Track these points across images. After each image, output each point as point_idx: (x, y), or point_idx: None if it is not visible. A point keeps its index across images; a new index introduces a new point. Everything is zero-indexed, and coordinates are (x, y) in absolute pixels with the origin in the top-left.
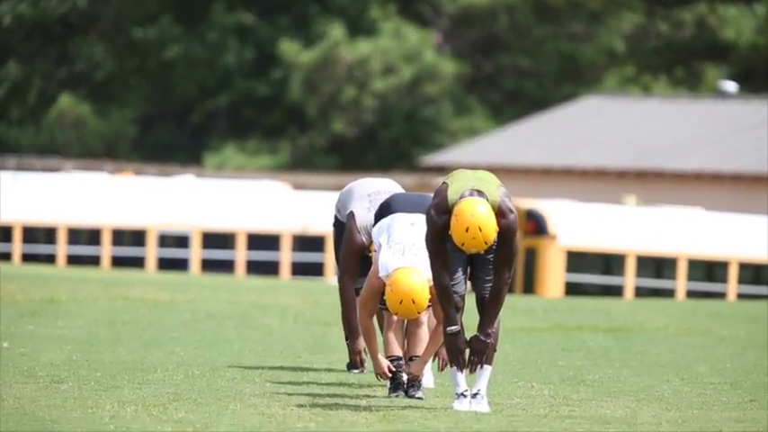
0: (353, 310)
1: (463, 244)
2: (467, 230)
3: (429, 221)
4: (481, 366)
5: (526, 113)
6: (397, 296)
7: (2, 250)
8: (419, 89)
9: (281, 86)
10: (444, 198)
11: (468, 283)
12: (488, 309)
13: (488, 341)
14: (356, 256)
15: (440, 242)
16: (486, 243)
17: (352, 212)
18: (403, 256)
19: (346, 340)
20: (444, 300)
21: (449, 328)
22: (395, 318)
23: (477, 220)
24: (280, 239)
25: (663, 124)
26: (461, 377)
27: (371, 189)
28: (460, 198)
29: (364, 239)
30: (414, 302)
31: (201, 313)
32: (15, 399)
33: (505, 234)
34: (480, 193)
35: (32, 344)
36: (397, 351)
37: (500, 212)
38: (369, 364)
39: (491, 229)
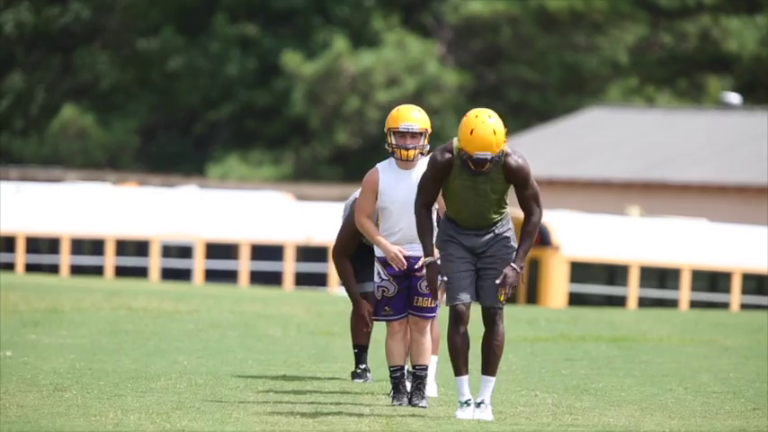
0: (352, 282)
1: (470, 147)
2: (471, 132)
3: (431, 160)
4: (509, 294)
5: (530, 125)
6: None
7: (5, 260)
8: (422, 100)
9: (284, 97)
10: (450, 142)
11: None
12: (523, 242)
13: (521, 272)
14: (354, 238)
15: (434, 181)
16: (493, 142)
17: (356, 199)
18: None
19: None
20: (422, 232)
21: (425, 259)
22: (396, 327)
23: (482, 118)
24: (283, 250)
25: (667, 136)
26: (466, 386)
27: None
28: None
29: None
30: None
31: (205, 323)
32: (19, 407)
33: (518, 176)
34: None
35: (36, 353)
36: (399, 361)
37: (507, 153)
38: (372, 373)
39: (499, 130)
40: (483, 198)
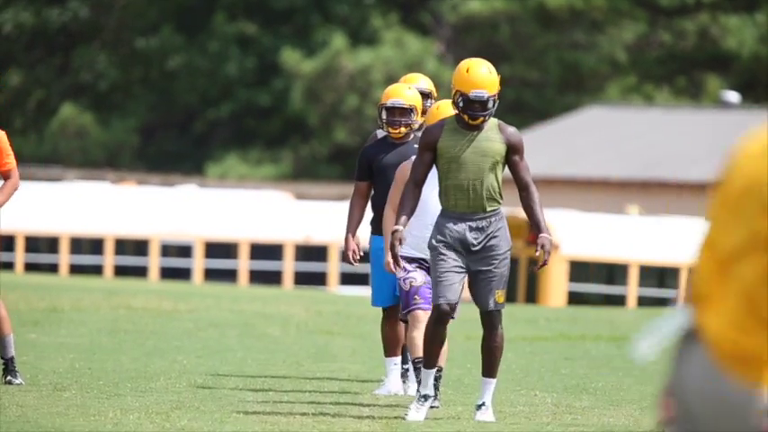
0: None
1: (467, 87)
2: (467, 71)
3: (424, 132)
4: (548, 259)
5: (528, 124)
6: None
7: (5, 259)
8: None
9: (283, 96)
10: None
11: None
12: (538, 213)
13: (551, 237)
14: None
15: (424, 150)
16: (488, 80)
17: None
18: None
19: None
20: (402, 203)
21: (394, 227)
22: (422, 317)
23: (476, 59)
24: (282, 249)
25: (665, 134)
26: (431, 379)
27: None
28: None
29: None
30: None
31: (204, 322)
32: (18, 407)
33: (514, 138)
34: None
35: (35, 352)
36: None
37: (500, 125)
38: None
39: (493, 70)
40: (480, 156)
